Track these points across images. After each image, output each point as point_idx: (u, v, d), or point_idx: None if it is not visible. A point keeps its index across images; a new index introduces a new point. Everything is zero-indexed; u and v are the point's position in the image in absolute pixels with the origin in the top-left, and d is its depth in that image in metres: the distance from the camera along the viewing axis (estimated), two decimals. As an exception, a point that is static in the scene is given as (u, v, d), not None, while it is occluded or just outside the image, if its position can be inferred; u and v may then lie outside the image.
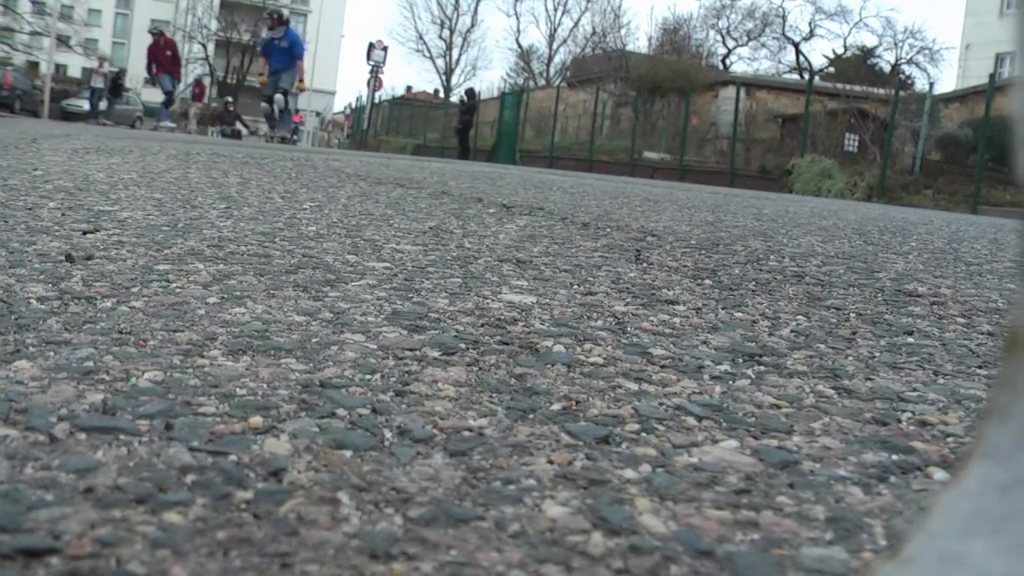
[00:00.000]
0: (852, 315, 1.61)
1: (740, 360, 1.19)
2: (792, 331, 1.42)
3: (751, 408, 0.97)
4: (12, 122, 11.73)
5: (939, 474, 0.81)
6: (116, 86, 25.25)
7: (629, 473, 0.74)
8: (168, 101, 20.23)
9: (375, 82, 26.03)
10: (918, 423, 0.97)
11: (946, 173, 14.94)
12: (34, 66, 36.54)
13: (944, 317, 1.67)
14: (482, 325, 1.28)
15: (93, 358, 0.96)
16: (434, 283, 1.59)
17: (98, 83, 24.81)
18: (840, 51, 38.89)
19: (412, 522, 0.62)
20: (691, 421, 0.91)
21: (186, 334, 1.09)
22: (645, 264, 2.07)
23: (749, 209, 4.70)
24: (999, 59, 28.59)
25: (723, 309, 1.56)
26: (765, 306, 1.63)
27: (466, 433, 0.81)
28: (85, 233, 1.82)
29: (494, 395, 0.95)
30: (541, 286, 1.65)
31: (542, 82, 43.60)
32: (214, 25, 49.22)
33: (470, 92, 23.22)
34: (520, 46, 50.35)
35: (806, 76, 33.55)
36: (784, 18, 42.87)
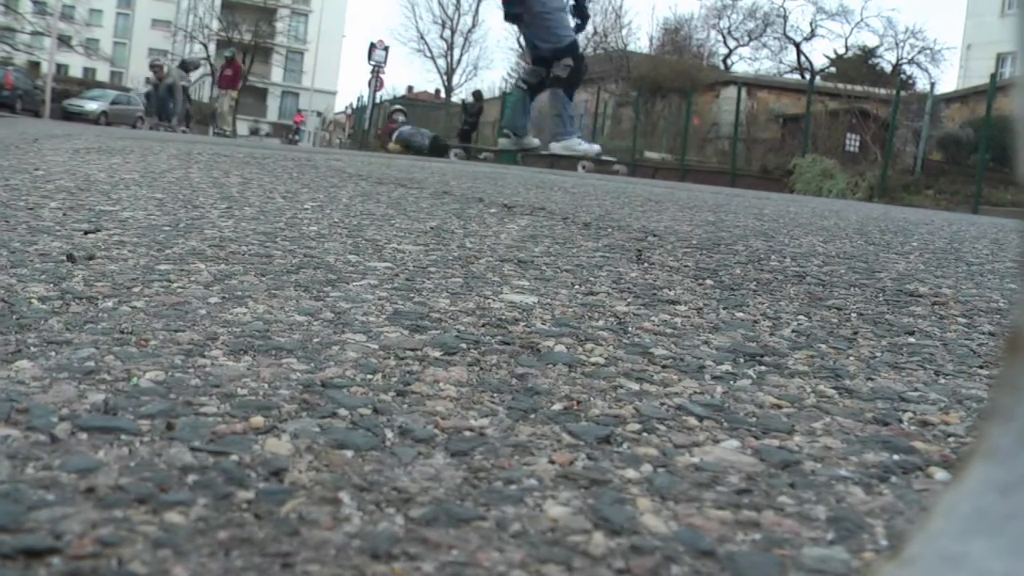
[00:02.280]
0: (853, 315, 1.61)
1: (741, 360, 1.19)
2: (793, 331, 1.42)
3: (752, 408, 0.97)
4: (13, 122, 11.74)
5: (940, 474, 0.81)
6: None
7: (630, 473, 0.74)
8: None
9: (376, 82, 25.99)
10: (919, 423, 0.97)
11: (947, 173, 14.95)
12: (35, 66, 36.57)
13: (945, 317, 1.67)
14: (483, 325, 1.28)
15: (94, 358, 0.96)
16: (435, 283, 1.59)
17: (171, 84, 21.92)
18: (841, 51, 38.92)
19: (413, 522, 0.62)
20: (692, 421, 0.91)
21: (187, 334, 1.09)
22: (646, 264, 2.07)
23: (750, 209, 4.70)
24: (1000, 59, 28.57)
25: (724, 309, 1.56)
26: (766, 306, 1.63)
27: (467, 433, 0.82)
28: (86, 233, 1.82)
29: (495, 395, 0.95)
30: (542, 286, 1.65)
31: (543, 82, 43.55)
32: (215, 25, 49.24)
33: (478, 94, 23.26)
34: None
35: (807, 76, 33.55)
36: (785, 18, 42.80)
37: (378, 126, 26.01)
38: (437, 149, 20.72)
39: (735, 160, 18.31)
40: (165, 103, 21.97)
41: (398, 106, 24.86)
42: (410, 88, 49.93)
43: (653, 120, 24.10)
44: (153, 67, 22.60)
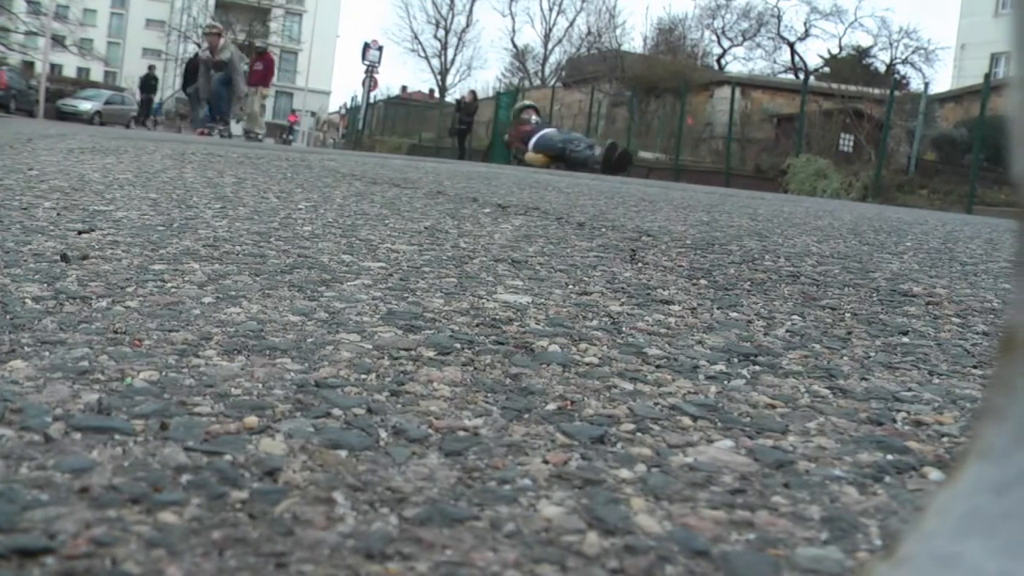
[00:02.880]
0: (847, 315, 1.61)
1: (735, 360, 1.19)
2: (787, 331, 1.42)
3: (746, 408, 0.97)
4: (7, 122, 11.71)
5: (934, 474, 0.81)
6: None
7: (624, 473, 0.74)
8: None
9: (370, 82, 25.95)
10: (913, 423, 0.97)
11: (941, 173, 14.95)
12: (29, 66, 36.47)
13: (939, 317, 1.67)
14: (477, 325, 1.28)
15: (88, 358, 0.95)
16: (429, 283, 1.59)
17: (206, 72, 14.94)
18: (835, 51, 39.00)
19: (407, 522, 0.62)
20: (686, 421, 0.91)
21: (181, 334, 1.09)
22: (640, 264, 2.07)
23: (744, 209, 4.70)
24: (994, 59, 28.63)
25: (718, 309, 1.56)
26: (760, 306, 1.63)
27: (461, 433, 0.81)
28: (80, 233, 1.82)
29: (489, 395, 0.95)
30: (536, 286, 1.65)
31: (537, 82, 43.60)
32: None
33: (474, 94, 23.24)
34: (515, 46, 50.35)
35: (801, 76, 33.58)
36: (779, 18, 42.98)
37: (505, 132, 19.13)
38: (618, 162, 14.44)
39: (729, 160, 18.31)
40: (220, 94, 15.00)
41: (528, 103, 18.22)
42: (404, 88, 49.91)
43: (647, 120, 24.09)
44: (209, 34, 15.54)
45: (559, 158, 14.80)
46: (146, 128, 20.91)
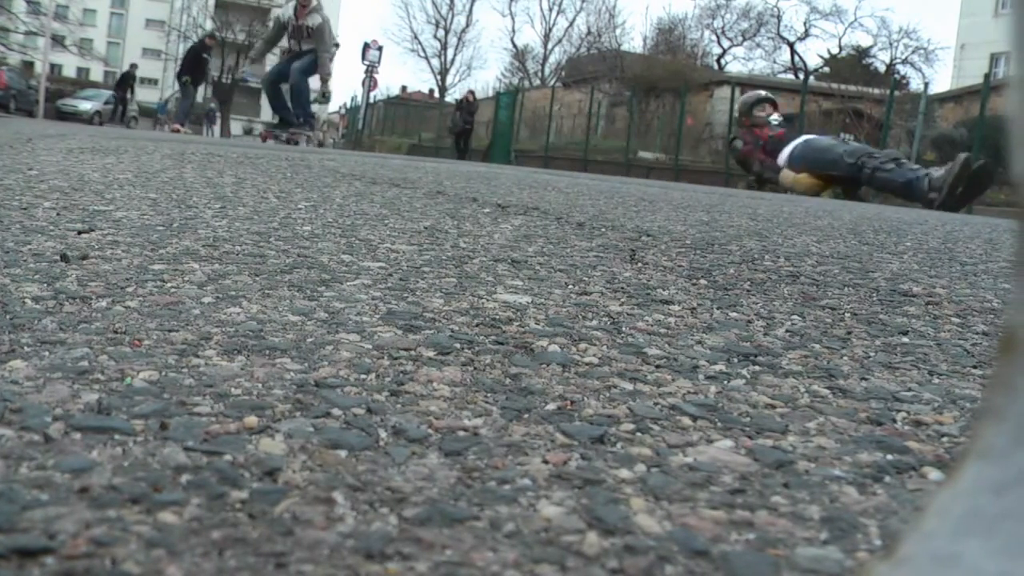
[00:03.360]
0: (847, 315, 1.61)
1: (735, 360, 1.19)
2: (787, 331, 1.42)
3: (746, 408, 0.97)
4: (7, 122, 11.71)
5: (934, 474, 0.81)
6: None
7: (624, 473, 0.74)
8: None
9: (370, 82, 25.93)
10: (913, 423, 0.97)
11: (941, 173, 14.94)
12: (29, 66, 36.49)
13: (939, 317, 1.67)
14: (477, 325, 1.28)
15: (88, 358, 0.95)
16: (429, 283, 1.59)
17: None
18: (835, 51, 39.03)
19: (407, 522, 0.62)
20: (686, 421, 0.91)
21: (181, 334, 1.09)
22: (640, 264, 2.07)
23: (744, 209, 4.70)
24: (994, 59, 28.67)
25: (718, 309, 1.56)
26: (760, 306, 1.63)
27: (461, 433, 0.81)
28: (80, 233, 1.82)
29: (489, 395, 0.95)
30: (536, 286, 1.65)
31: (537, 82, 43.62)
32: (209, 25, 49.15)
33: (473, 94, 23.24)
34: (515, 46, 50.39)
35: (801, 76, 33.59)
36: (779, 18, 43.02)
37: (730, 139, 13.58)
38: (975, 182, 9.32)
39: (729, 160, 18.32)
40: (301, 88, 11.12)
41: (764, 93, 12.93)
42: (404, 88, 49.93)
43: (647, 120, 24.10)
44: None
45: (845, 180, 10.17)
46: (123, 127, 20.85)
